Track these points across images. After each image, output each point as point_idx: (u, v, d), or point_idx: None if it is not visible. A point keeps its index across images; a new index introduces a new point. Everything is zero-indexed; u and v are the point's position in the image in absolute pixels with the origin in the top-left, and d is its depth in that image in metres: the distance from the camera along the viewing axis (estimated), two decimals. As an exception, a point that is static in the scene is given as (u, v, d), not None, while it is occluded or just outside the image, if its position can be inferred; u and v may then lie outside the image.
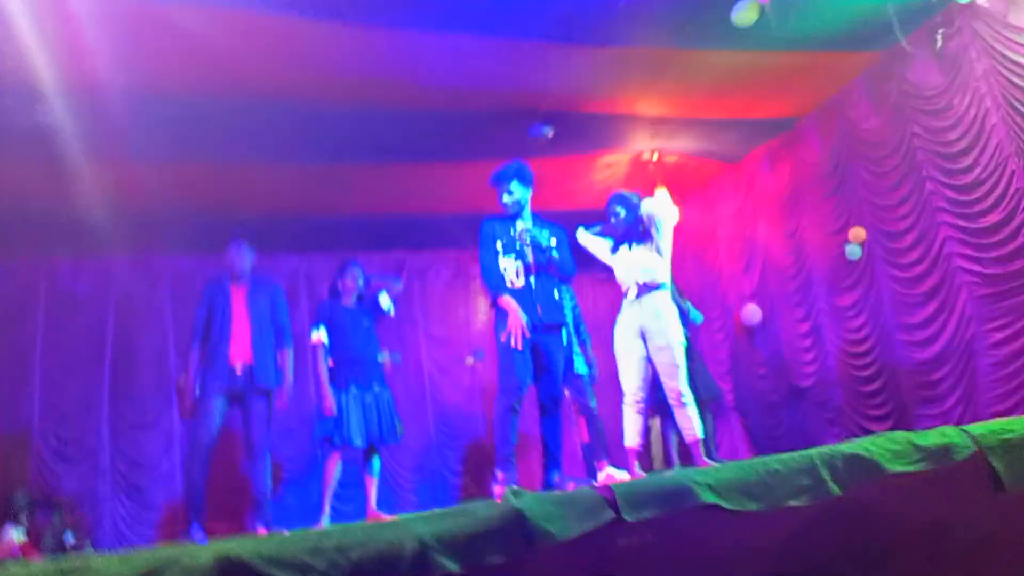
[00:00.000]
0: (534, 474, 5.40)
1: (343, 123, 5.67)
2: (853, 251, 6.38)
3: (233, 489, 5.54)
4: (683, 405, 4.23)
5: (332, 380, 4.86)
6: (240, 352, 4.78)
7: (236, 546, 1.88)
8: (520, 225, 4.25)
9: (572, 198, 7.22)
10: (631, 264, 4.38)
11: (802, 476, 2.74)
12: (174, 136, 5.33)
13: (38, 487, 6.17)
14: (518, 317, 4.00)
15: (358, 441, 4.74)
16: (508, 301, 4.08)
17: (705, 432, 4.43)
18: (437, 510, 2.32)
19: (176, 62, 4.74)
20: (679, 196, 7.52)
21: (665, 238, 4.39)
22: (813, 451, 2.88)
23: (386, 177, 6.70)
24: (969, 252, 5.51)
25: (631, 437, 4.34)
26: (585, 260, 4.81)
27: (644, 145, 6.97)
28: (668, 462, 6.40)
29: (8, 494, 5.84)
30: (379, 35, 4.72)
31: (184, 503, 4.87)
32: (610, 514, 2.35)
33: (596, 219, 4.66)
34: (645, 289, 4.30)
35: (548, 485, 4.18)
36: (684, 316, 5.31)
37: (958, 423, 4.38)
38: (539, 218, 4.37)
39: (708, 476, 2.61)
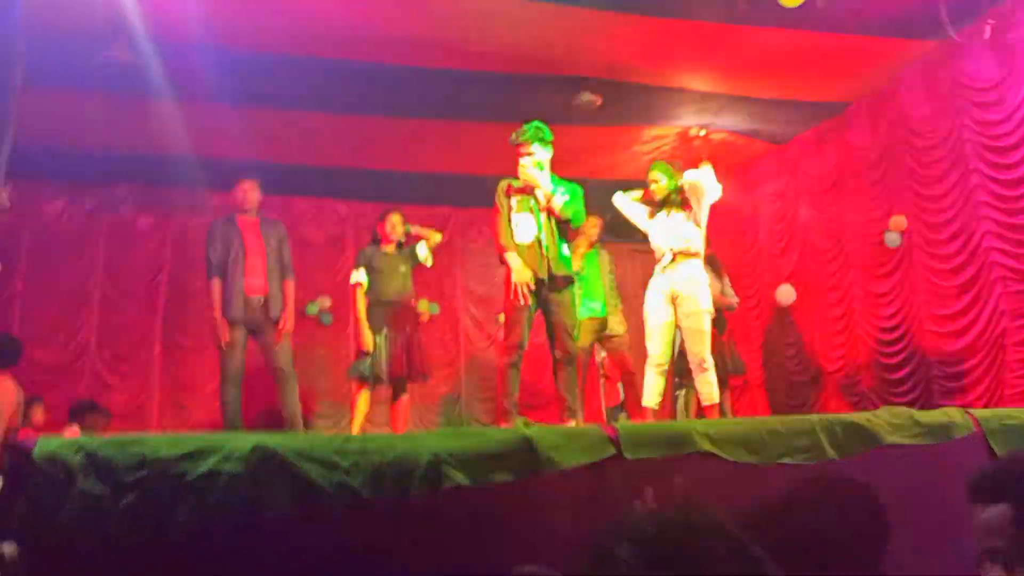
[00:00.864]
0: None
1: (397, 80, 5.85)
2: (892, 239, 6.40)
3: (271, 417, 5.88)
4: (704, 371, 4.40)
5: (368, 320, 5.14)
6: (255, 284, 5.06)
7: (272, 439, 2.13)
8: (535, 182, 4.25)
9: (618, 168, 7.32)
10: (668, 231, 4.52)
11: (801, 437, 2.90)
12: (240, 83, 5.56)
13: (90, 398, 6.59)
14: (520, 275, 4.07)
15: (386, 378, 5.03)
16: (511, 258, 4.14)
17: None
18: (452, 429, 2.54)
19: (239, 14, 4.96)
20: (724, 174, 7.55)
21: (704, 208, 4.52)
22: (814, 416, 3.03)
23: (435, 134, 6.88)
24: (1008, 247, 5.52)
25: (650, 397, 4.52)
26: (622, 227, 4.95)
27: (692, 120, 7.02)
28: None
29: (69, 400, 6.29)
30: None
31: (223, 428, 5.21)
32: (612, 450, 2.55)
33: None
34: (680, 257, 4.45)
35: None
36: None
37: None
38: (555, 177, 4.39)
39: (709, 427, 2.78)
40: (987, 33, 5.34)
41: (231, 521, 2.06)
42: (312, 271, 7.59)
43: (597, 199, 5.18)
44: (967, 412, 3.28)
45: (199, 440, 2.10)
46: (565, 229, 4.28)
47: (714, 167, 7.27)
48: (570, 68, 5.88)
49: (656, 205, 4.64)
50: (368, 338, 5.06)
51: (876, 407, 6.49)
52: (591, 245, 5.99)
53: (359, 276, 5.23)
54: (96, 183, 7.41)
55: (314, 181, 7.72)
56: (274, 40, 5.33)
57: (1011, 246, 5.48)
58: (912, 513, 2.91)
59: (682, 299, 4.41)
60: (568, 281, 4.24)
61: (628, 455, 2.54)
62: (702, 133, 7.19)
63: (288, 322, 5.14)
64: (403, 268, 5.36)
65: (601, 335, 5.93)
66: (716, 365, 4.49)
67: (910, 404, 6.30)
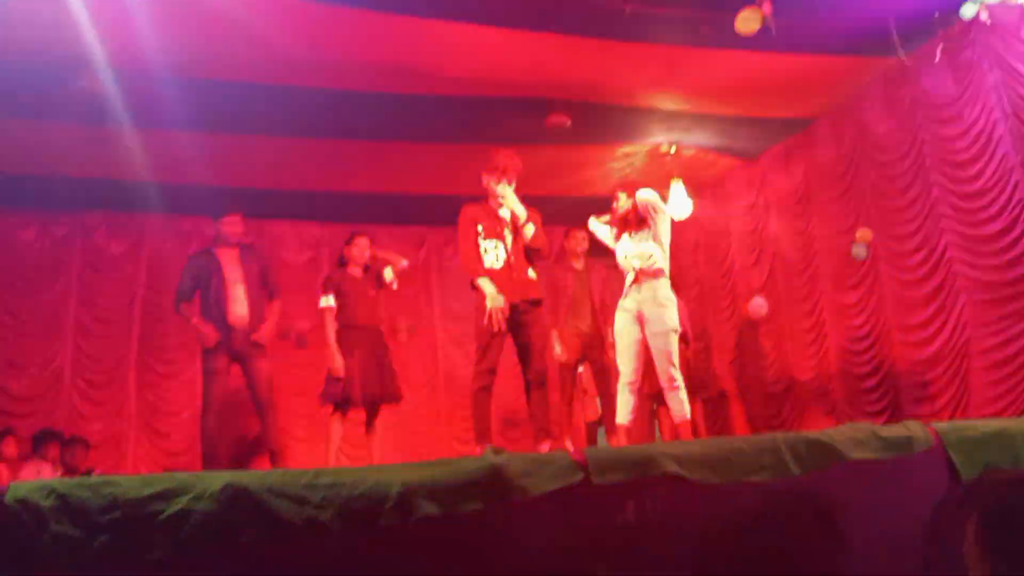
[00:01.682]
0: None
1: (368, 105, 5.92)
2: (859, 251, 6.52)
3: (246, 443, 5.89)
4: (675, 389, 4.47)
5: (339, 344, 5.18)
6: (238, 312, 5.12)
7: (243, 477, 2.17)
8: (502, 203, 4.34)
9: (590, 186, 7.42)
10: (630, 251, 4.60)
11: (764, 455, 2.96)
12: (207, 109, 5.60)
13: (66, 428, 6.55)
14: (495, 300, 4.12)
15: (359, 402, 5.06)
16: (483, 284, 4.20)
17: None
18: (424, 461, 2.58)
19: (211, 44, 5.01)
20: (695, 189, 7.70)
21: (662, 225, 4.59)
22: (778, 434, 3.10)
23: (410, 157, 6.94)
24: (969, 258, 5.66)
25: (623, 415, 4.59)
26: (597, 248, 5.02)
27: (662, 137, 7.13)
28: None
29: (39, 432, 6.24)
30: (405, 23, 4.94)
31: (202, 455, 5.22)
32: (580, 475, 2.60)
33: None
34: (644, 276, 4.53)
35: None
36: None
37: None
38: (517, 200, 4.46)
39: (674, 449, 2.84)
40: (938, 56, 5.50)
41: (204, 555, 2.11)
42: (287, 292, 7.58)
43: (574, 216, 5.25)
44: (927, 426, 3.36)
45: (170, 480, 2.14)
46: (532, 253, 4.35)
47: (685, 183, 7.47)
48: (539, 90, 5.97)
49: (620, 225, 4.72)
50: (339, 363, 5.10)
51: (849, 416, 6.65)
52: (578, 258, 6.07)
53: (328, 301, 5.28)
54: (68, 210, 7.40)
55: (291, 204, 7.76)
56: (248, 69, 5.38)
57: (973, 257, 5.62)
58: (875, 525, 3.00)
59: (649, 318, 4.48)
60: (537, 303, 4.29)
61: (596, 479, 2.59)
62: (672, 150, 7.30)
63: (265, 336, 5.20)
64: (371, 292, 5.41)
65: (586, 352, 6.00)
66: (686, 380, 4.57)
67: (880, 412, 6.45)
